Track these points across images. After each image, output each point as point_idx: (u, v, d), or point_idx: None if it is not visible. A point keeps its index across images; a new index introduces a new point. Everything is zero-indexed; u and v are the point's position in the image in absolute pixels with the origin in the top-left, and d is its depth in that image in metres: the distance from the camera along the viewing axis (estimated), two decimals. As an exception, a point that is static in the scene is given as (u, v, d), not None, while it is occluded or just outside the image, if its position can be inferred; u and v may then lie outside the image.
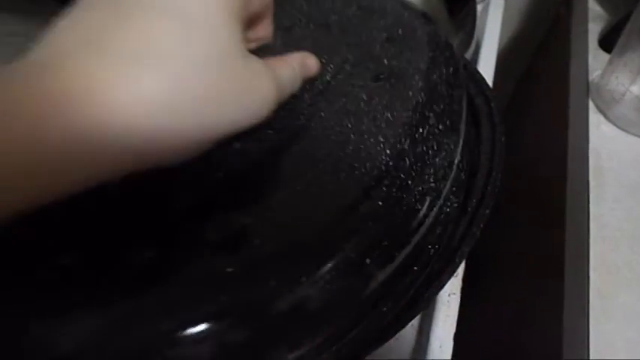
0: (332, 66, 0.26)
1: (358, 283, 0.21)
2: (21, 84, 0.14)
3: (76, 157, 0.15)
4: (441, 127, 0.24)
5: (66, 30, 0.16)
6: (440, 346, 0.30)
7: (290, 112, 0.24)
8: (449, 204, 0.25)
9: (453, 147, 0.24)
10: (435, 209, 0.23)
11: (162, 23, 0.16)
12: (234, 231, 0.19)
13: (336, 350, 0.21)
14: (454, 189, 0.26)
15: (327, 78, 0.26)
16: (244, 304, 0.18)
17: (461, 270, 0.34)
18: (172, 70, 0.15)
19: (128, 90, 0.15)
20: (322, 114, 0.24)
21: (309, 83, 0.25)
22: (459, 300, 0.33)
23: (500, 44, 0.48)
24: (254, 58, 0.19)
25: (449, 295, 0.32)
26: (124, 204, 0.20)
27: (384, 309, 0.22)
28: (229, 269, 0.18)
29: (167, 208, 0.20)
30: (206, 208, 0.20)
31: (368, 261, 0.20)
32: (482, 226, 0.26)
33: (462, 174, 0.27)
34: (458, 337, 0.31)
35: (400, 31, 0.28)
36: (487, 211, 0.27)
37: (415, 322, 0.34)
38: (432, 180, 0.23)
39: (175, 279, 0.18)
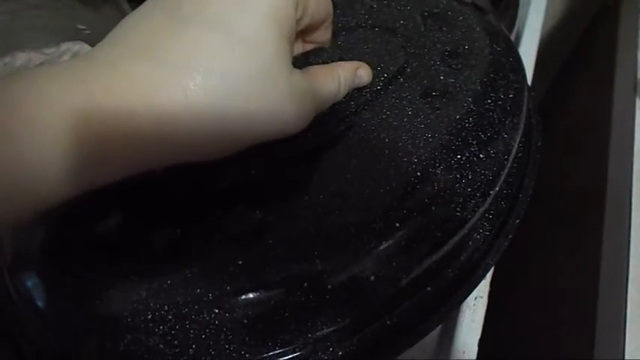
0: (386, 75, 0.28)
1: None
2: (87, 78, 0.18)
3: (128, 154, 0.18)
4: (482, 156, 0.25)
5: (129, 32, 0.19)
6: (463, 352, 0.31)
7: (332, 118, 0.26)
8: (479, 232, 0.26)
9: (492, 178, 0.25)
10: (455, 238, 0.24)
11: (212, 35, 0.18)
12: (252, 224, 0.22)
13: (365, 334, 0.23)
14: (489, 216, 0.26)
15: (378, 87, 0.27)
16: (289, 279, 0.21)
17: (489, 273, 0.33)
18: (216, 78, 0.18)
19: (177, 93, 0.18)
20: (363, 124, 0.25)
21: (358, 90, 0.27)
22: (486, 304, 0.33)
23: (541, 34, 0.46)
24: (297, 74, 0.21)
25: (475, 298, 0.33)
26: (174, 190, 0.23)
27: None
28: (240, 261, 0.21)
29: (213, 203, 0.23)
30: (232, 203, 0.23)
31: (373, 278, 0.21)
32: (510, 237, 0.27)
33: (502, 203, 0.27)
34: (483, 343, 0.31)
35: (466, 47, 0.29)
36: (517, 221, 0.27)
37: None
38: (458, 209, 0.23)
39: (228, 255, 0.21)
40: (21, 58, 0.46)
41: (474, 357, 0.30)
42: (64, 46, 0.46)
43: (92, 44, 0.48)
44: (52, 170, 0.17)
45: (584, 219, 0.46)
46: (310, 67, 0.23)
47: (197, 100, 0.18)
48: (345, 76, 0.24)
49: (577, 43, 0.74)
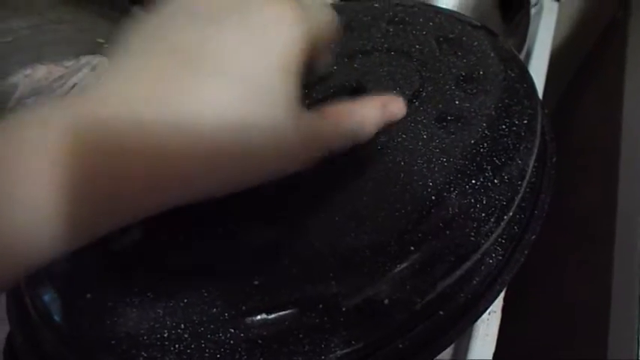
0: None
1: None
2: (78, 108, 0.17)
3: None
4: (496, 181, 0.24)
5: (129, 81, 0.18)
6: (478, 366, 0.31)
7: None
8: (491, 256, 0.25)
9: (505, 203, 0.24)
10: (469, 262, 0.23)
11: (226, 85, 0.18)
12: (268, 244, 0.22)
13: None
14: (502, 240, 0.26)
15: None
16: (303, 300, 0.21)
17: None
18: (228, 122, 0.18)
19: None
20: (379, 147, 0.25)
21: None
22: (500, 318, 0.33)
23: (551, 49, 0.46)
24: (304, 115, 0.21)
25: (489, 313, 0.33)
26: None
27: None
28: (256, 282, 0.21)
29: (229, 223, 0.23)
30: (249, 224, 0.23)
31: (387, 302, 0.21)
32: (526, 252, 0.26)
33: (515, 227, 0.26)
34: (497, 358, 0.31)
35: (481, 72, 0.29)
36: (533, 237, 0.27)
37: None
38: (472, 234, 0.23)
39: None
40: (41, 70, 0.47)
41: (489, 371, 0.31)
42: (84, 59, 0.47)
43: (111, 57, 0.48)
44: (44, 225, 0.15)
45: (596, 233, 0.45)
46: (332, 106, 0.23)
47: (209, 142, 0.18)
48: (369, 115, 0.24)
49: (586, 57, 0.73)
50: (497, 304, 0.33)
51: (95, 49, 0.48)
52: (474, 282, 0.25)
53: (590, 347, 0.38)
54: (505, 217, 0.24)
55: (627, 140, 0.45)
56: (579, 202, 0.56)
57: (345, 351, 0.22)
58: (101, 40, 0.48)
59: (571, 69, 0.75)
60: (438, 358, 0.33)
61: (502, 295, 0.34)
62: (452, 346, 0.33)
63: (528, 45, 0.51)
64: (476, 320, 0.26)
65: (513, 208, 0.25)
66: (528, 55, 0.50)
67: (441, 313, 0.24)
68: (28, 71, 0.47)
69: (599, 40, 0.70)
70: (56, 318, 0.22)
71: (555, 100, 0.81)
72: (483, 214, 0.23)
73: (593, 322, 0.39)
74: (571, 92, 0.75)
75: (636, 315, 0.32)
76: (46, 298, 0.22)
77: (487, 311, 0.33)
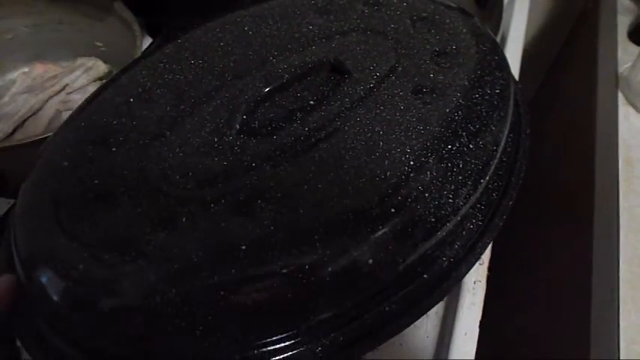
0: (378, 74, 0.28)
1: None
2: None
3: None
4: (471, 146, 0.24)
5: None
6: (465, 334, 0.30)
7: (328, 114, 0.26)
8: (471, 221, 0.25)
9: (481, 167, 0.24)
10: (449, 225, 0.23)
11: None
12: (254, 211, 0.22)
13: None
14: (481, 206, 0.26)
15: (371, 85, 0.27)
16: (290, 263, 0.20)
17: (486, 258, 0.33)
18: None
19: None
20: (358, 119, 0.25)
21: (352, 88, 0.27)
22: (485, 288, 0.33)
23: (527, 38, 0.46)
24: None
25: (474, 282, 0.33)
26: None
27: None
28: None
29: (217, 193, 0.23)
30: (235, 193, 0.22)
31: (370, 262, 0.21)
32: (504, 217, 0.26)
33: (494, 194, 0.26)
34: (483, 326, 0.31)
35: (454, 47, 0.29)
36: (510, 203, 0.27)
37: (439, 309, 0.32)
38: (450, 197, 0.23)
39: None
40: (39, 68, 0.47)
41: (476, 338, 0.30)
42: (80, 60, 0.46)
43: (106, 61, 0.48)
44: None
45: (575, 212, 0.45)
46: None
47: None
48: None
49: (562, 45, 0.73)
50: (482, 274, 0.33)
51: (92, 52, 0.48)
52: (456, 246, 0.25)
53: (572, 328, 0.38)
54: (482, 180, 0.24)
55: (602, 119, 0.45)
56: (559, 181, 0.56)
57: (332, 313, 0.22)
58: (99, 44, 0.48)
59: (549, 56, 0.75)
60: (426, 326, 0.32)
61: (486, 264, 0.34)
62: (440, 315, 0.33)
63: (503, 32, 0.51)
64: (459, 281, 0.26)
65: (490, 173, 0.25)
66: (503, 41, 0.50)
67: (425, 276, 0.24)
68: (26, 69, 0.47)
69: (574, 27, 0.70)
70: (52, 293, 0.21)
71: (535, 86, 0.80)
72: (460, 177, 0.23)
73: (575, 301, 0.39)
74: (550, 78, 0.75)
75: (615, 295, 0.32)
76: (42, 275, 0.22)
77: (472, 281, 0.33)
